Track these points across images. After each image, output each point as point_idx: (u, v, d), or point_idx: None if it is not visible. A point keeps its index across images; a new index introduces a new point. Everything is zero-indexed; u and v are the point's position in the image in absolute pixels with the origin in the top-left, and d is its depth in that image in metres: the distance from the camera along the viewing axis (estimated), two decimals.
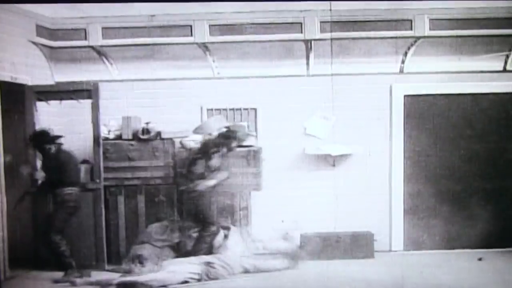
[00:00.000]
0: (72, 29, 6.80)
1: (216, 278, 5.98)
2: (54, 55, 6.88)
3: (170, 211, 6.72)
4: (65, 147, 6.40)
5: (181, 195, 6.66)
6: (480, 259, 6.58)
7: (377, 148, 6.95)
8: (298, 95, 6.91)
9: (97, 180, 6.50)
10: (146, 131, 6.71)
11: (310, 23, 6.69)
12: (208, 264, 6.01)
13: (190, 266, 5.98)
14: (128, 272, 6.12)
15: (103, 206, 6.52)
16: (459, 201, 7.00)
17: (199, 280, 5.92)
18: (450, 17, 6.66)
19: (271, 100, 6.95)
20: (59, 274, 6.09)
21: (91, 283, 5.90)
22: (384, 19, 6.68)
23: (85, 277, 6.04)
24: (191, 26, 6.75)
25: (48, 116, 6.80)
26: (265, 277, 6.06)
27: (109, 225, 6.59)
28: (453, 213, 7.00)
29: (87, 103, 6.60)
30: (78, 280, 5.92)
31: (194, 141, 6.74)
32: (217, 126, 6.83)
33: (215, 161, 6.45)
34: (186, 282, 5.86)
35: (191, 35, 6.77)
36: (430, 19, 6.68)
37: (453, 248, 6.97)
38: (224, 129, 6.58)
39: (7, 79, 6.25)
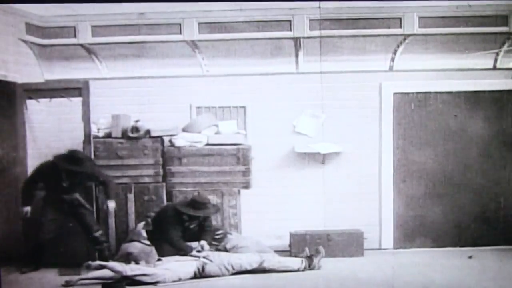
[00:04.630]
0: (61, 27, 6.79)
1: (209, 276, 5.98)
2: (43, 53, 6.87)
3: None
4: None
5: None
6: (470, 257, 6.57)
7: (366, 146, 6.95)
8: (288, 93, 6.91)
9: None
10: (135, 129, 6.70)
11: (299, 21, 6.68)
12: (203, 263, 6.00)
13: (185, 264, 5.97)
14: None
15: (94, 204, 6.52)
16: (449, 199, 7.00)
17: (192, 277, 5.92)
18: (439, 15, 6.65)
19: (260, 98, 6.94)
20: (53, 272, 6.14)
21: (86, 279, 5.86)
22: (373, 17, 6.67)
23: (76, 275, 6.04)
24: (180, 24, 6.74)
25: (38, 114, 6.80)
26: (255, 276, 6.03)
27: (99, 223, 6.58)
28: (443, 211, 7.00)
29: (77, 101, 6.60)
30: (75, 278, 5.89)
31: (183, 139, 6.76)
32: (206, 124, 6.84)
33: None
34: (179, 279, 5.86)
35: (180, 33, 6.76)
36: (420, 17, 6.67)
37: (443, 246, 6.97)
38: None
39: None
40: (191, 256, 6.11)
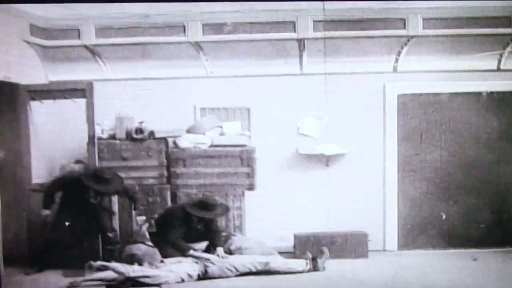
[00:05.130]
0: (65, 28, 6.78)
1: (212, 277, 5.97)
2: (47, 54, 6.88)
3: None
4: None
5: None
6: (474, 259, 6.56)
7: (370, 147, 6.94)
8: (291, 94, 6.91)
9: None
10: (139, 130, 6.70)
11: (303, 22, 6.68)
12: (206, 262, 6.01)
13: (187, 266, 5.97)
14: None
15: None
16: (454, 201, 6.99)
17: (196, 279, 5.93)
18: (443, 16, 6.65)
19: (264, 99, 6.93)
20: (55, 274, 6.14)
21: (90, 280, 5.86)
22: (378, 18, 6.67)
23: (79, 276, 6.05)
24: (184, 25, 6.74)
25: (41, 115, 6.80)
26: (259, 277, 6.03)
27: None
28: (447, 213, 6.99)
29: (81, 102, 6.59)
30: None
31: (187, 141, 6.76)
32: (210, 126, 6.85)
33: None
34: (182, 281, 5.86)
35: (184, 34, 6.76)
36: (424, 18, 6.67)
37: (447, 248, 6.97)
38: None
39: (1, 78, 6.25)
40: (190, 256, 6.11)
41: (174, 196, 6.75)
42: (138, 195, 6.55)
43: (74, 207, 6.34)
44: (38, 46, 6.80)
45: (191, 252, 6.17)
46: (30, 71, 6.72)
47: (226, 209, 6.52)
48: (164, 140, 6.75)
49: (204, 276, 5.97)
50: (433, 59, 6.82)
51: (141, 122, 6.74)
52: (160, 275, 5.77)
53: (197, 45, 6.84)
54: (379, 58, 6.86)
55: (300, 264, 6.19)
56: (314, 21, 6.68)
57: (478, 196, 6.98)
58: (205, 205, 6.32)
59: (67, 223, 6.32)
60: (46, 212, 6.32)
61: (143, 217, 6.53)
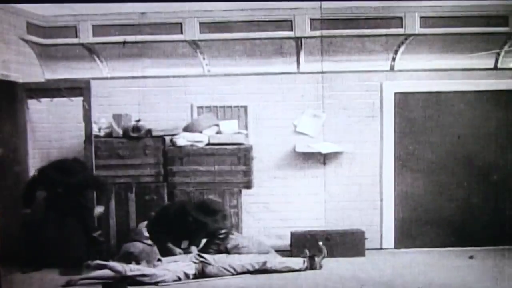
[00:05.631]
0: (62, 26, 6.79)
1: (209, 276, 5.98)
2: (45, 52, 6.88)
3: None
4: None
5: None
6: (471, 257, 6.57)
7: (367, 145, 6.96)
8: (289, 93, 6.92)
9: None
10: (136, 128, 6.71)
11: (300, 21, 6.69)
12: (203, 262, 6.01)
13: (185, 265, 5.98)
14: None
15: (95, 204, 6.52)
16: (451, 199, 7.00)
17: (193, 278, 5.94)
18: (440, 15, 6.66)
19: (262, 98, 6.95)
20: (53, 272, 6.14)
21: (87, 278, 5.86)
22: (375, 17, 6.68)
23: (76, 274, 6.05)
24: (181, 24, 6.75)
25: (39, 113, 6.81)
26: (256, 276, 6.04)
27: (100, 223, 6.59)
28: (445, 211, 7.00)
29: (78, 100, 6.60)
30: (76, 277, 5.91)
31: (184, 139, 6.76)
32: (207, 124, 6.85)
33: None
34: (179, 279, 5.87)
35: (182, 33, 6.76)
36: (421, 17, 6.68)
37: (444, 246, 6.97)
38: None
39: None
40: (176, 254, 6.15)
41: (171, 194, 6.75)
42: (104, 187, 6.46)
43: (56, 207, 6.33)
44: (35, 44, 6.79)
45: (178, 251, 6.19)
46: (27, 69, 6.72)
47: (224, 219, 6.50)
48: (161, 138, 6.75)
49: (202, 275, 5.96)
50: (431, 57, 6.83)
51: (138, 120, 6.74)
52: (157, 274, 5.77)
53: (194, 44, 6.85)
54: (377, 57, 6.86)
55: (297, 262, 6.19)
56: (311, 20, 6.69)
57: (475, 194, 6.99)
58: (207, 208, 6.31)
59: (52, 222, 6.33)
60: (27, 211, 6.27)
61: (102, 207, 6.46)
